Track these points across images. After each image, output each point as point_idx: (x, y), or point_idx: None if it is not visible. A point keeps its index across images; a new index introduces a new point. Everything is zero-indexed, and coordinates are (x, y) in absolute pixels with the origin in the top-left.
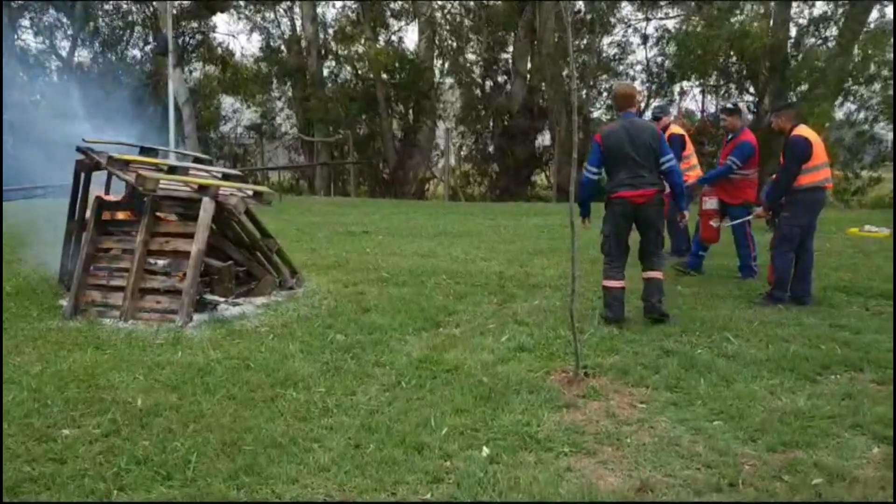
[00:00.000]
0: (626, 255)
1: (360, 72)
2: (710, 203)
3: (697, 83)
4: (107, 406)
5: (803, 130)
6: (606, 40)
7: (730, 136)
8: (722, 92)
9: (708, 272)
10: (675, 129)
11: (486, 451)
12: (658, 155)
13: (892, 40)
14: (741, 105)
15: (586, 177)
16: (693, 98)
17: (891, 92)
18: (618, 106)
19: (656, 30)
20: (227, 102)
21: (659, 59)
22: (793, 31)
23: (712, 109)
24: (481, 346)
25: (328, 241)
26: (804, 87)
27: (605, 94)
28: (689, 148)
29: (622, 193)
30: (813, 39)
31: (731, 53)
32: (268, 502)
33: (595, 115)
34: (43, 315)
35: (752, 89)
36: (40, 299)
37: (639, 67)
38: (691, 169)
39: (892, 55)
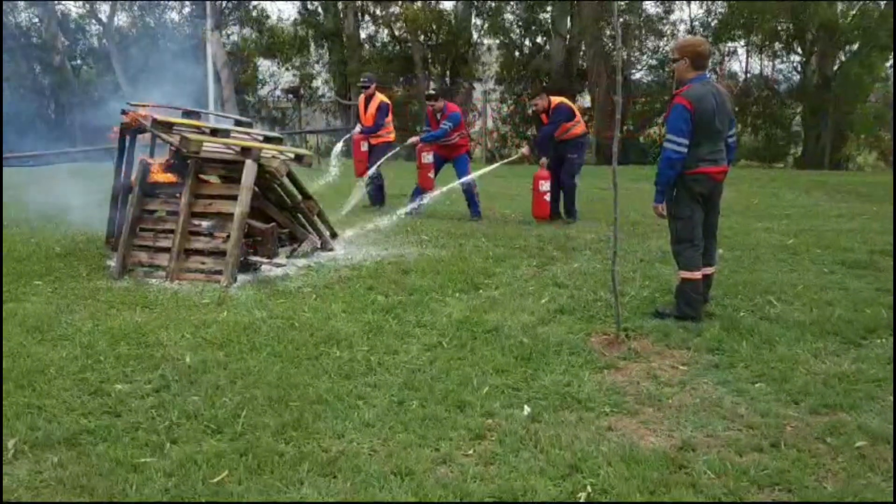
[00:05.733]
0: None
1: (397, 34)
2: (428, 157)
3: (742, 42)
4: (157, 362)
5: (560, 99)
6: None
7: (438, 115)
8: (768, 52)
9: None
10: (382, 97)
11: (527, 409)
12: (731, 125)
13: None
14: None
15: (677, 152)
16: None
17: None
18: (694, 64)
19: None
20: (265, 66)
21: (704, 19)
22: None
23: (757, 70)
24: (521, 307)
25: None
26: (854, 47)
27: (646, 54)
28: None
29: (704, 169)
30: None
31: (780, 12)
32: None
33: (636, 76)
34: (91, 275)
35: (799, 49)
36: (88, 260)
37: (682, 27)
38: (390, 134)
39: None
